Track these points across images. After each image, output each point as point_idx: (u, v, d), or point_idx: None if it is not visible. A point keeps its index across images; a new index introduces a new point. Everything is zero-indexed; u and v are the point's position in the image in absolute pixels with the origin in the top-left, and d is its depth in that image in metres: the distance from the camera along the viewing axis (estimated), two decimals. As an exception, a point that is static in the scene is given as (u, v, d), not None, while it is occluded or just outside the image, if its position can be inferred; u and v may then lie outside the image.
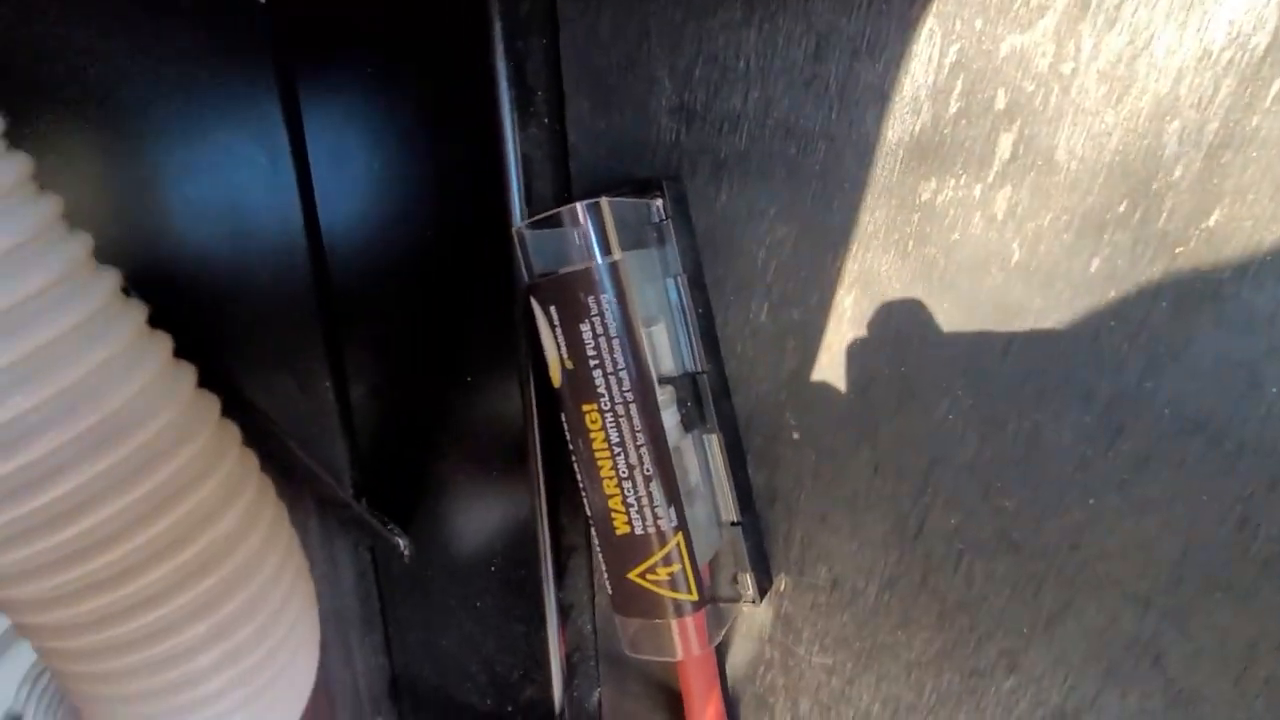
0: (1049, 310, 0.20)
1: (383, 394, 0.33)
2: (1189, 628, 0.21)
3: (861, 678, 0.27)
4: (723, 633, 0.26)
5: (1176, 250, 0.19)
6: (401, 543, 0.35)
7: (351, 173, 0.29)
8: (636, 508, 0.23)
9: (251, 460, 0.20)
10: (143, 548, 0.16)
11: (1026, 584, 0.23)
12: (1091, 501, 0.21)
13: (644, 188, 0.24)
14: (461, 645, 0.35)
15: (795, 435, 0.26)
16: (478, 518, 0.32)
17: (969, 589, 0.24)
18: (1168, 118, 0.18)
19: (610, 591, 0.24)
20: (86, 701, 0.17)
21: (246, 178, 0.29)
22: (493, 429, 0.30)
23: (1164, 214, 0.18)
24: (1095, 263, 0.20)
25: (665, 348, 0.24)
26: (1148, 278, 0.19)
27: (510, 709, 0.34)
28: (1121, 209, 0.19)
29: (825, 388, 0.25)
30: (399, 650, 0.38)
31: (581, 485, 0.24)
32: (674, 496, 0.23)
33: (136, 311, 0.16)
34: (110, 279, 0.15)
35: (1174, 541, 0.20)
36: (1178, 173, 0.18)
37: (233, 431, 0.19)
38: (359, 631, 0.37)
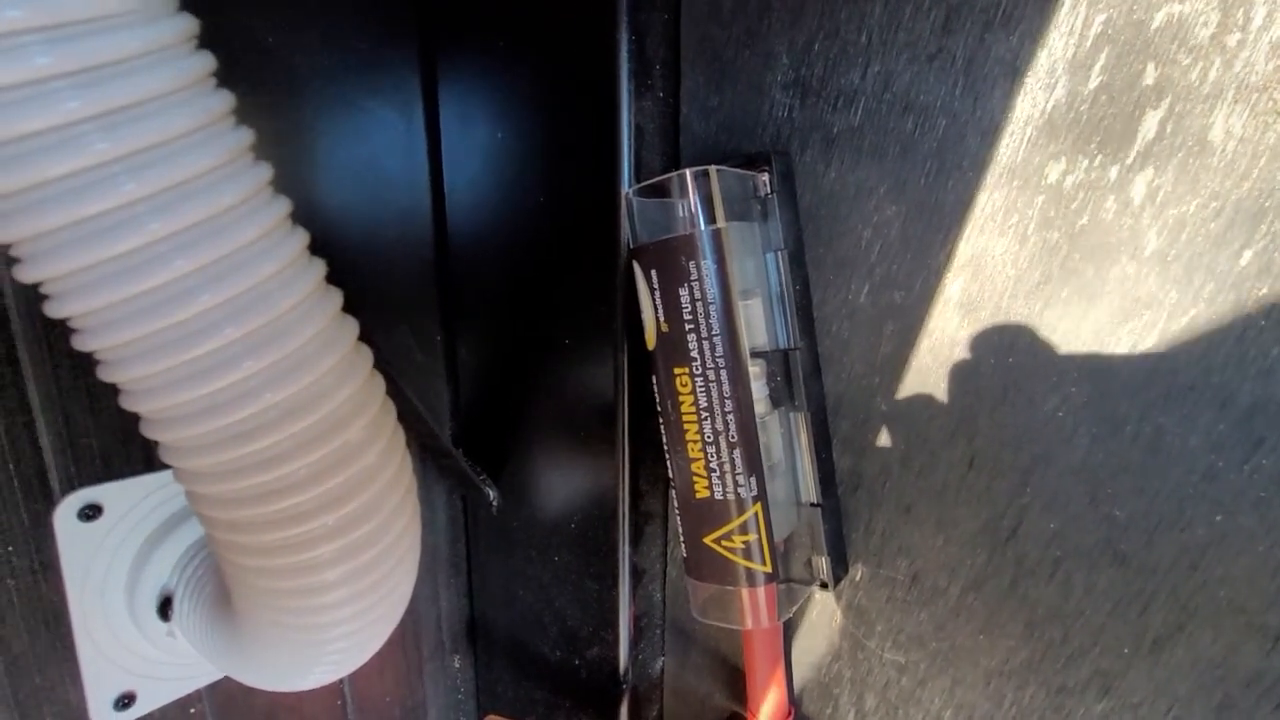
0: (1186, 305, 0.19)
1: (486, 351, 0.35)
2: (1327, 671, 0.19)
3: (935, 680, 0.26)
4: (792, 610, 0.26)
5: (1351, 245, 0.17)
6: (491, 493, 0.37)
7: (477, 139, 0.31)
8: (718, 473, 0.23)
9: (379, 382, 0.22)
10: (287, 440, 0.18)
11: (1132, 601, 0.21)
12: (1219, 518, 0.19)
13: (752, 162, 0.25)
14: (537, 596, 0.36)
15: (886, 421, 0.25)
16: (563, 476, 0.34)
17: (1064, 600, 0.22)
18: (1353, 95, 0.16)
19: (685, 554, 0.25)
20: (233, 570, 0.20)
21: (384, 141, 0.32)
22: (584, 394, 0.31)
23: (1338, 203, 0.17)
24: (1247, 255, 0.18)
25: (760, 321, 0.25)
26: (1311, 274, 0.17)
27: (577, 663, 0.36)
28: (1285, 196, 0.17)
29: (922, 374, 0.24)
30: (480, 595, 0.40)
31: (666, 448, 0.25)
32: (756, 466, 0.23)
33: (301, 236, 0.18)
34: (283, 204, 0.18)
35: (1317, 572, 0.18)
36: (1360, 157, 0.16)
37: (367, 354, 0.22)
38: (446, 573, 0.40)
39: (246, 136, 0.16)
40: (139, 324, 0.16)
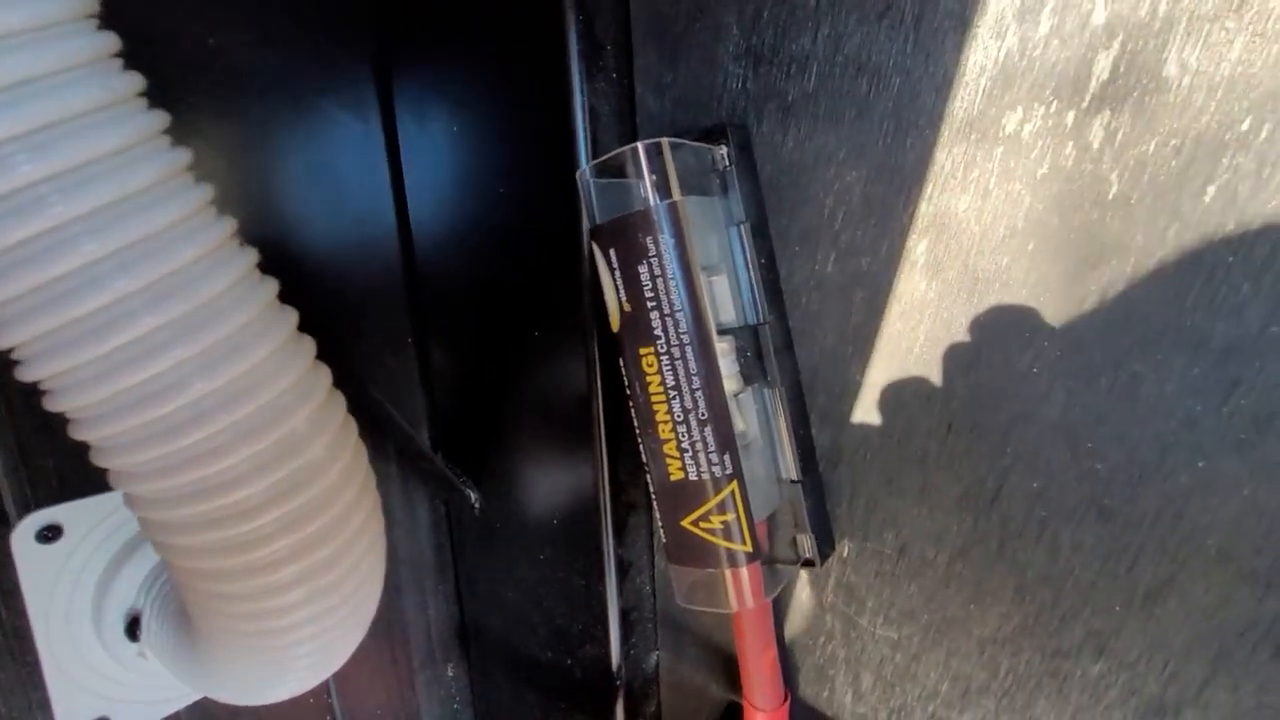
0: (1153, 248, 0.18)
1: (458, 351, 0.35)
2: (1321, 613, 0.18)
3: (929, 653, 0.25)
4: (779, 589, 0.26)
5: (1313, 172, 0.16)
6: (473, 495, 0.36)
7: (435, 135, 0.31)
8: (691, 453, 0.23)
9: (340, 400, 0.22)
10: (243, 463, 0.18)
11: (1120, 557, 0.21)
12: (1201, 465, 0.19)
13: (709, 136, 0.24)
14: (525, 597, 0.36)
15: (862, 392, 0.25)
16: (543, 472, 0.33)
17: (1052, 561, 0.22)
18: (1304, 17, 0.16)
19: (664, 540, 0.24)
20: (194, 596, 0.20)
21: (341, 143, 0.31)
22: (558, 386, 0.31)
23: (1298, 130, 0.16)
24: (1210, 191, 0.17)
25: (726, 298, 0.24)
26: (1276, 205, 0.17)
27: (570, 662, 0.35)
28: (1244, 127, 0.17)
29: (894, 341, 0.23)
30: (468, 600, 0.40)
31: (638, 431, 0.24)
32: (728, 443, 0.22)
33: (250, 254, 0.18)
34: (227, 223, 0.17)
35: (1304, 512, 0.18)
36: (1316, 80, 0.16)
37: (325, 372, 0.21)
38: (433, 580, 0.39)
39: (184, 156, 0.16)
40: (81, 350, 0.15)
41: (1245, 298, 0.17)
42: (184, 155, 0.16)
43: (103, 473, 0.25)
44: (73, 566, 0.24)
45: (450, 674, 0.40)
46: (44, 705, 0.25)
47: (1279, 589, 0.18)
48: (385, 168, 0.32)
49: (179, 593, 0.21)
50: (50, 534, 0.24)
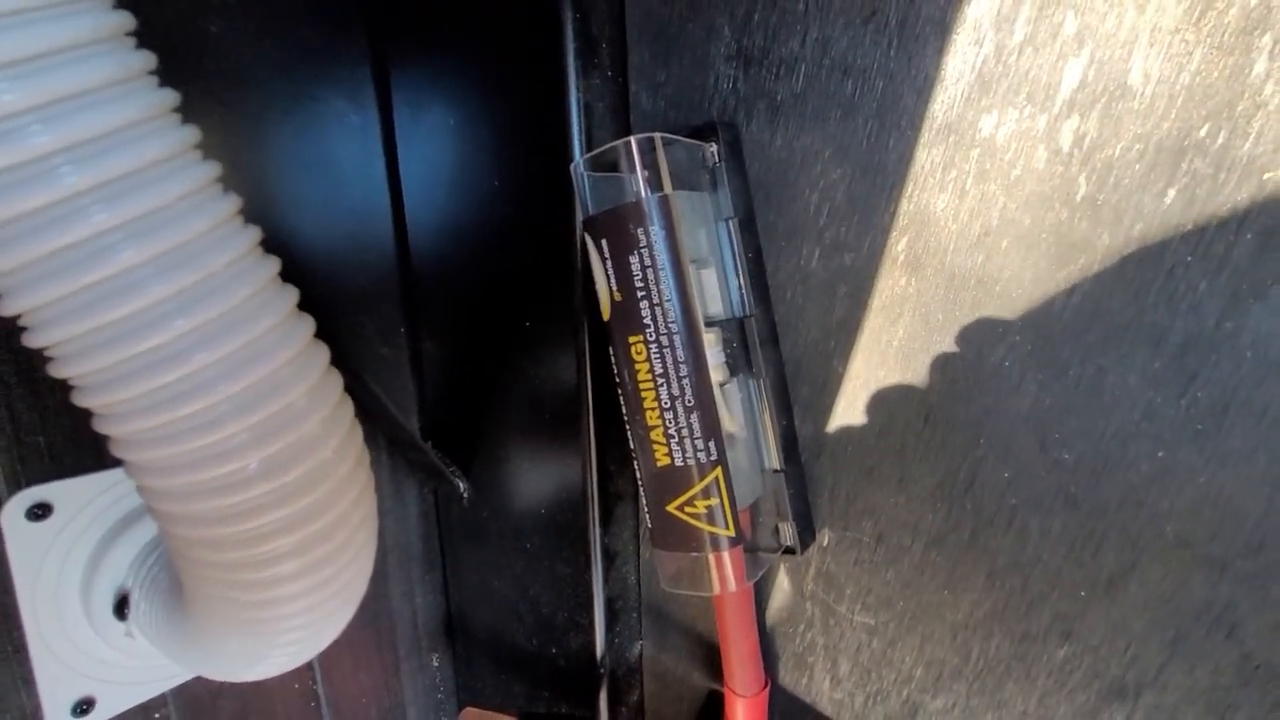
0: (1117, 247, 0.19)
1: (451, 341, 0.35)
2: (1270, 595, 0.19)
3: (904, 639, 0.26)
4: (760, 574, 0.26)
5: (1265, 176, 0.17)
6: (461, 485, 0.37)
7: (431, 127, 0.31)
8: (677, 439, 0.23)
9: (336, 378, 0.22)
10: (241, 434, 0.18)
11: (1085, 543, 0.22)
12: (1160, 454, 0.20)
13: (700, 134, 0.25)
14: (512, 587, 0.36)
15: (844, 384, 0.25)
16: (532, 462, 0.33)
17: (1022, 548, 0.23)
18: (1258, 31, 0.17)
19: (650, 525, 0.25)
20: (188, 565, 0.20)
21: (337, 132, 0.32)
22: (549, 376, 0.31)
23: (1251, 137, 0.17)
24: (1170, 193, 0.18)
25: (714, 291, 0.25)
26: (1231, 207, 0.18)
27: (555, 651, 0.35)
28: (1202, 133, 0.18)
29: (875, 335, 0.24)
30: (455, 590, 0.40)
31: (625, 418, 0.25)
32: (714, 429, 0.23)
33: (254, 231, 0.18)
34: (233, 200, 0.18)
35: (1255, 499, 0.19)
36: (1268, 90, 0.17)
37: (323, 350, 0.22)
38: (420, 569, 0.40)
39: (193, 133, 0.17)
40: (89, 317, 0.16)
41: (1202, 294, 0.18)
42: (193, 132, 0.16)
43: (95, 452, 0.25)
44: (62, 545, 0.24)
45: (435, 663, 0.41)
46: (28, 683, 0.25)
47: (1233, 574, 0.19)
48: (381, 159, 0.33)
49: (174, 562, 0.21)
50: (40, 512, 0.24)
